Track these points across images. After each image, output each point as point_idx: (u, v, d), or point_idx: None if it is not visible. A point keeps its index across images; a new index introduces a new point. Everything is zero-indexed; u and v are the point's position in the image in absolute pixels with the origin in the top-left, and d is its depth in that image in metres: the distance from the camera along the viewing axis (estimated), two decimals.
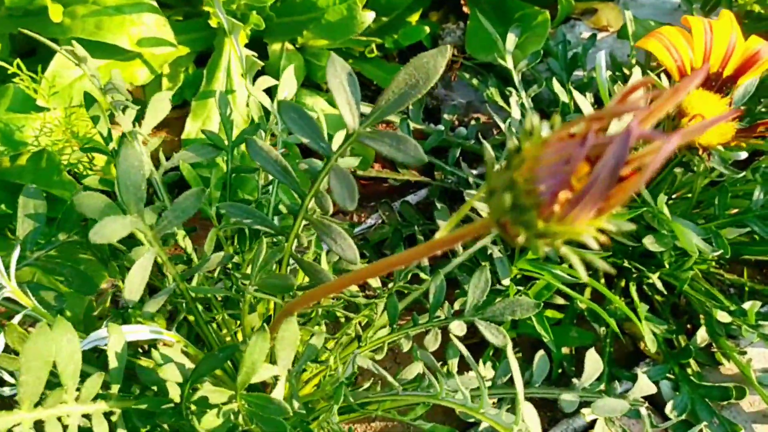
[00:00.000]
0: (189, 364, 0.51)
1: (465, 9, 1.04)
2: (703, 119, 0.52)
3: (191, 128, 0.84)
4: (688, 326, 0.75)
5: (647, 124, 0.29)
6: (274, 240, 0.60)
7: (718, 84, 0.57)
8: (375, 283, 0.66)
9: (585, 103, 0.61)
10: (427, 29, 0.97)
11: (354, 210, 0.89)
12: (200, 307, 0.61)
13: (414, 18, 1.00)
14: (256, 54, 0.83)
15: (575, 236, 0.29)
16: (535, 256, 0.60)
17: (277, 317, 0.48)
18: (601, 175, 0.27)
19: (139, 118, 0.61)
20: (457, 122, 0.91)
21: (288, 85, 0.62)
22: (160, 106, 0.61)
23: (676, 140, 0.26)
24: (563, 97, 0.74)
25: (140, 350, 0.58)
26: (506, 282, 0.63)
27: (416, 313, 0.61)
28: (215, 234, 0.58)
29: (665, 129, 0.56)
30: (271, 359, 0.51)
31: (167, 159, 0.60)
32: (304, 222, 0.52)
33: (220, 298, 0.63)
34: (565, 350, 0.72)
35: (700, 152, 0.54)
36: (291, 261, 0.56)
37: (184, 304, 0.55)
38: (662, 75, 0.63)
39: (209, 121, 0.84)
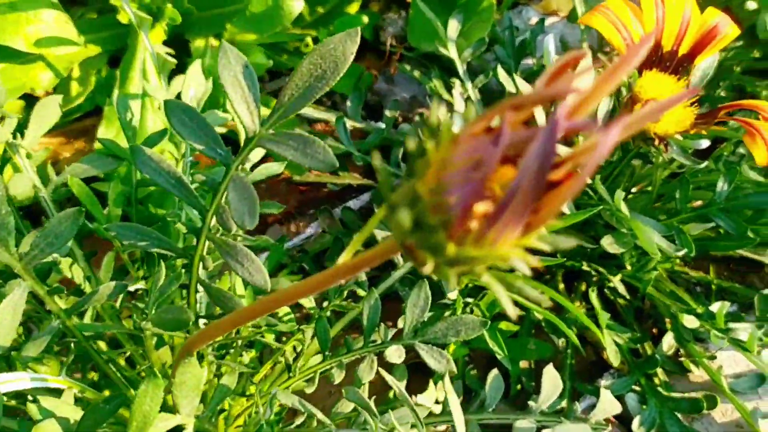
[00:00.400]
0: (78, 416, 0.43)
1: None
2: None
3: (105, 137, 0.75)
4: (654, 330, 0.69)
5: (583, 111, 0.22)
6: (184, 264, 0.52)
7: (674, 64, 0.51)
8: (308, 303, 0.58)
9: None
10: (366, 19, 0.91)
11: (292, 219, 0.82)
12: (101, 345, 0.53)
13: (353, 8, 0.93)
14: (173, 51, 0.75)
15: (498, 261, 0.23)
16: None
17: (176, 358, 0.40)
18: (523, 181, 0.20)
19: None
20: (400, 119, 0.85)
21: (194, 82, 0.54)
22: (46, 113, 0.53)
23: (616, 132, 0.19)
24: (510, 87, 0.67)
25: (29, 399, 0.50)
26: (453, 295, 0.57)
27: (352, 336, 0.54)
28: (112, 258, 0.50)
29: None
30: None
31: None
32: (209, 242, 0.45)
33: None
34: (523, 363, 0.66)
35: (657, 143, 0.48)
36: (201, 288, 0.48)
37: (73, 344, 0.47)
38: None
39: None
